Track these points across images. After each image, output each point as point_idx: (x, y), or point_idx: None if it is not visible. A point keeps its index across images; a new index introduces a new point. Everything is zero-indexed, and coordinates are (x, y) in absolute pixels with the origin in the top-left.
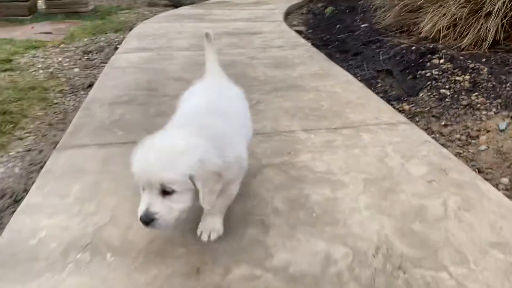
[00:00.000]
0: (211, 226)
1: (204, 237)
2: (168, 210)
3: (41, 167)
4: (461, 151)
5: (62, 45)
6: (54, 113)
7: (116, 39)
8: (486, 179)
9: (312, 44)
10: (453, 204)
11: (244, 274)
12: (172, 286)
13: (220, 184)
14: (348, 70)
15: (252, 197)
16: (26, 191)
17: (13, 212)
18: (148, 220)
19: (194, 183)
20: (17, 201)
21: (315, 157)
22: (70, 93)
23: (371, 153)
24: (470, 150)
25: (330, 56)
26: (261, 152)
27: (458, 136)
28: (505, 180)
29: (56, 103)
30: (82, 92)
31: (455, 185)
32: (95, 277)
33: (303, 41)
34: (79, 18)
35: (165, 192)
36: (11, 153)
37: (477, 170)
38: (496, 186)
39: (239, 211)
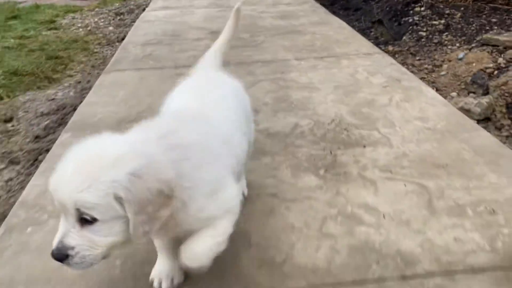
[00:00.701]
0: (194, 257)
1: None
2: (88, 245)
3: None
4: (426, 76)
5: (96, 9)
6: (95, 59)
7: (144, 3)
8: (441, 94)
9: (320, 3)
10: (397, 98)
11: None
12: None
13: (169, 210)
14: (348, 22)
15: None
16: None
17: (75, 109)
18: (60, 255)
19: (124, 207)
20: (75, 109)
21: (301, 74)
22: (106, 45)
23: (345, 72)
24: (433, 75)
25: (333, 12)
26: (259, 72)
27: (426, 66)
28: (453, 93)
29: (96, 52)
30: (117, 44)
31: (403, 88)
32: None
33: None
34: None
35: (84, 220)
36: (65, 84)
37: (435, 89)
38: (445, 97)
39: None
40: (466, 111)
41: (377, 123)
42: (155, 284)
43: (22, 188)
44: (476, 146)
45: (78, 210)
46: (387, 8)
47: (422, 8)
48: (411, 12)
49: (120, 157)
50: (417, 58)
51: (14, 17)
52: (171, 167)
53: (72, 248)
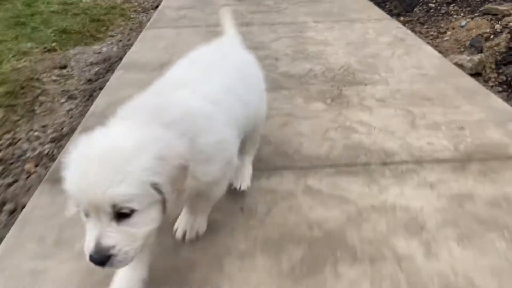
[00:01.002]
0: (188, 225)
1: (179, 235)
2: (128, 239)
3: (132, 45)
4: (431, 42)
5: None
6: (132, 23)
7: None
8: (443, 56)
9: None
10: (399, 52)
11: None
12: None
13: (187, 178)
14: None
15: (268, 49)
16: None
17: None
18: (102, 259)
19: (161, 191)
20: (121, 58)
21: (318, 34)
22: (142, 12)
23: (357, 32)
24: (437, 41)
25: None
26: (281, 31)
27: (432, 33)
28: (452, 56)
29: (132, 18)
30: (151, 11)
31: (406, 45)
32: None
33: None
34: None
35: (121, 214)
36: (108, 42)
37: (438, 51)
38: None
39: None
40: (460, 66)
41: (379, 69)
42: (178, 233)
43: (82, 116)
44: (460, 87)
45: (114, 206)
46: None
47: None
48: None
49: (140, 145)
50: (425, 26)
51: None
52: (180, 142)
53: (113, 247)
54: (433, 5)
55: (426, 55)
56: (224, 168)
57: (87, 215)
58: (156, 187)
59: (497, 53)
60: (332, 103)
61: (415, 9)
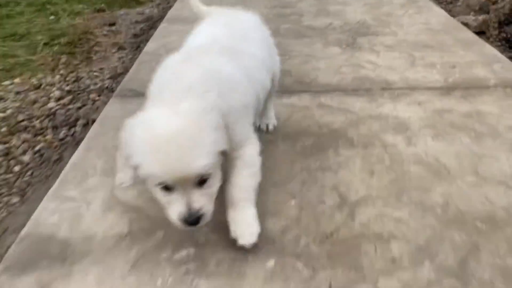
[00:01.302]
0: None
1: (244, 242)
2: (208, 199)
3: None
4: (444, 6)
5: None
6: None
7: None
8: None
9: None
10: (410, 11)
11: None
12: None
13: None
14: None
15: (294, 7)
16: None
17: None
18: (197, 220)
19: (224, 154)
20: (162, 18)
21: None
22: None
23: None
24: (450, 6)
25: None
26: None
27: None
28: (460, 17)
29: None
30: None
31: (417, 6)
32: None
33: None
34: None
35: (200, 181)
36: (149, 6)
37: (447, 12)
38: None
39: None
40: (465, 24)
41: (390, 25)
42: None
43: (131, 62)
44: (459, 38)
45: (198, 176)
46: None
47: None
48: None
49: (200, 120)
50: None
51: None
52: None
53: (201, 208)
54: None
55: (435, 14)
56: (247, 133)
57: (170, 189)
58: (221, 152)
59: (501, 14)
60: (347, 48)
61: None
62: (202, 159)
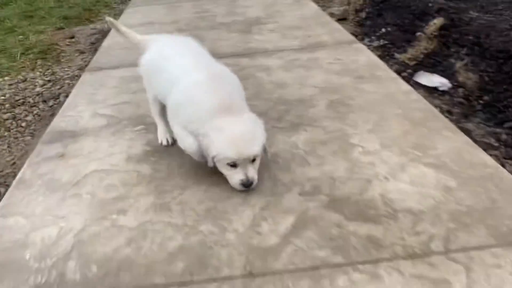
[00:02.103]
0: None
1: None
2: (255, 172)
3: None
4: (321, 2)
5: None
6: (115, 12)
7: None
8: (322, 8)
9: None
10: (293, 8)
11: None
12: None
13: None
14: None
15: (211, 12)
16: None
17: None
18: (251, 184)
19: (265, 147)
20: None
21: (244, 2)
22: (120, 3)
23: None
24: (330, 3)
25: None
26: (220, 3)
27: None
28: (329, 9)
29: (114, 7)
30: (128, 1)
31: (299, 4)
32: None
33: None
34: None
35: (252, 160)
36: (99, 23)
37: (320, 7)
38: (324, 10)
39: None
40: (331, 14)
41: (276, 17)
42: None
43: (91, 60)
44: (320, 21)
45: (255, 156)
46: None
47: None
48: None
49: (258, 127)
50: None
51: None
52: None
53: (253, 176)
54: None
55: (309, 8)
56: None
57: (234, 165)
58: (264, 145)
59: (357, 5)
60: (243, 33)
61: None
62: (256, 148)
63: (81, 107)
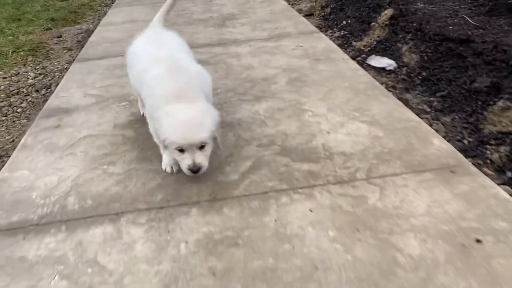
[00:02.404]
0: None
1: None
2: (204, 159)
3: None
4: (293, 2)
5: None
6: (99, 15)
7: None
8: (291, 5)
9: None
10: (264, 5)
11: None
12: None
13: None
14: None
15: (189, 10)
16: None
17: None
18: (197, 169)
19: (215, 134)
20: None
21: (220, 1)
22: (104, 6)
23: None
24: (299, 1)
25: None
26: (198, 2)
27: None
28: (298, 6)
29: (98, 10)
30: (112, 5)
31: (270, 2)
32: None
33: None
34: None
35: (200, 147)
36: (85, 24)
37: (289, 4)
38: (292, 6)
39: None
40: (299, 10)
41: (248, 13)
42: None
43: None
44: (287, 15)
45: (201, 143)
46: None
47: None
48: None
49: (208, 115)
50: None
51: None
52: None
53: (200, 162)
54: None
55: (279, 5)
56: None
57: (182, 151)
58: (213, 132)
59: (323, 1)
60: (218, 27)
61: None
62: (204, 134)
63: (72, 90)
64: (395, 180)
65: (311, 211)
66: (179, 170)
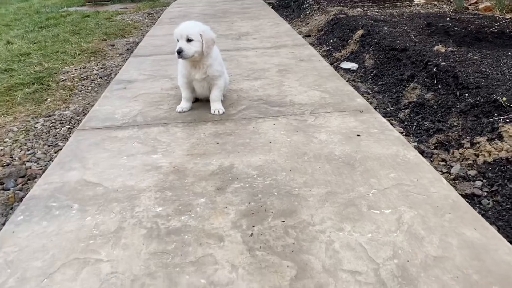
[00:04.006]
0: (217, 107)
1: (216, 113)
2: (188, 48)
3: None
4: (295, 24)
5: (134, 12)
6: (141, 33)
7: (165, 7)
8: (294, 29)
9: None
10: (272, 26)
11: None
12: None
13: (212, 48)
14: (279, 13)
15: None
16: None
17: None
18: (180, 51)
19: (202, 39)
20: (140, 42)
21: (240, 27)
22: (146, 26)
23: (257, 23)
24: (301, 24)
25: (275, 9)
26: (223, 22)
27: (300, 24)
28: (299, 29)
29: (141, 29)
30: (153, 26)
31: (276, 24)
32: None
33: (261, 1)
34: (140, 1)
35: (188, 40)
36: (131, 38)
37: (292, 27)
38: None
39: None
40: (300, 32)
41: (260, 32)
42: (214, 112)
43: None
44: (288, 34)
45: (187, 36)
46: (297, 2)
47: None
48: (306, 2)
49: (201, 24)
50: (300, 21)
51: (87, 16)
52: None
53: (185, 48)
54: (307, 11)
55: (284, 27)
56: (220, 69)
57: (178, 40)
58: (201, 35)
59: (319, 26)
60: (236, 40)
61: (301, 15)
62: (192, 30)
63: (131, 71)
64: (326, 114)
65: (274, 124)
66: (186, 110)
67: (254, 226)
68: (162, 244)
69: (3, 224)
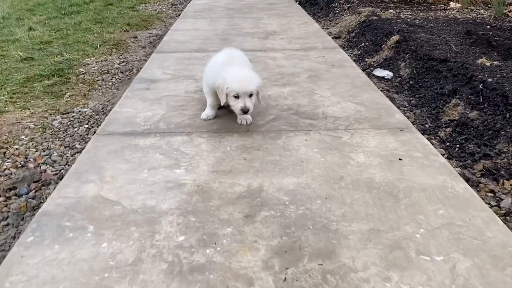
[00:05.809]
0: (245, 117)
1: (243, 123)
2: (251, 104)
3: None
4: (324, 24)
5: (158, 2)
6: (165, 24)
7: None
8: (323, 29)
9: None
10: (301, 26)
11: None
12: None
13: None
14: (306, 10)
15: (239, 25)
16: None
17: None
18: (247, 110)
19: (258, 91)
20: (163, 35)
21: (267, 23)
22: (169, 18)
23: (285, 21)
24: (331, 24)
25: (303, 6)
26: (249, 17)
27: (329, 23)
28: (329, 29)
29: (164, 21)
30: (176, 18)
31: (305, 23)
32: None
33: None
34: None
35: (249, 95)
36: (154, 30)
37: (321, 27)
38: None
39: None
40: (329, 33)
41: (288, 31)
42: (243, 122)
43: (151, 53)
44: (318, 35)
45: (250, 92)
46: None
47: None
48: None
49: (256, 77)
50: (328, 22)
51: (110, 4)
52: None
53: (250, 106)
54: (336, 10)
55: (313, 27)
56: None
57: (237, 97)
58: (258, 88)
59: (350, 28)
60: (262, 40)
61: (330, 14)
62: (253, 87)
63: (154, 69)
64: (362, 131)
65: (306, 140)
66: (211, 118)
67: (287, 268)
68: (184, 283)
69: (14, 237)
